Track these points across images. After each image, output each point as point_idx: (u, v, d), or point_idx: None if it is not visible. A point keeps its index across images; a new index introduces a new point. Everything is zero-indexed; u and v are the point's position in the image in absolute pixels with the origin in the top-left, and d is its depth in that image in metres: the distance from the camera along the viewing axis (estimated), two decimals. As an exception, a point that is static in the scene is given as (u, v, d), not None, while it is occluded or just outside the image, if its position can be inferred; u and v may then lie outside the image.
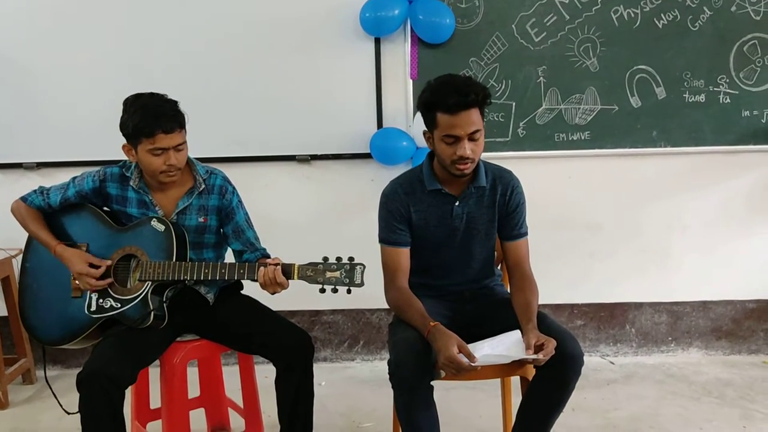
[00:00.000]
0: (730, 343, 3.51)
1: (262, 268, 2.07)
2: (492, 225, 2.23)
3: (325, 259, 2.06)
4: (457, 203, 2.19)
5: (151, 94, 2.15)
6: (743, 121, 3.26)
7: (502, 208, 2.22)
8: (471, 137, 2.03)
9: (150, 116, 2.08)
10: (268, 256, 2.31)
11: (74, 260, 2.17)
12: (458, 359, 1.87)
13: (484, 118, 2.07)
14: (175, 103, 2.15)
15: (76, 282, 2.20)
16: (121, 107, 2.16)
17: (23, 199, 2.28)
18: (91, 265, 2.16)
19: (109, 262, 2.18)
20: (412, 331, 2.03)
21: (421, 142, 2.97)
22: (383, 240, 2.21)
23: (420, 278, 2.25)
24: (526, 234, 2.25)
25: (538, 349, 1.92)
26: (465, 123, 2.01)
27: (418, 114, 2.18)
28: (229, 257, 2.40)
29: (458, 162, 2.05)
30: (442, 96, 2.01)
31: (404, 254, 2.19)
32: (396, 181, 2.25)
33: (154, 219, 2.18)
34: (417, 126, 3.07)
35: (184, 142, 2.17)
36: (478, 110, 2.04)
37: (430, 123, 2.09)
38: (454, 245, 2.23)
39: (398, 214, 2.18)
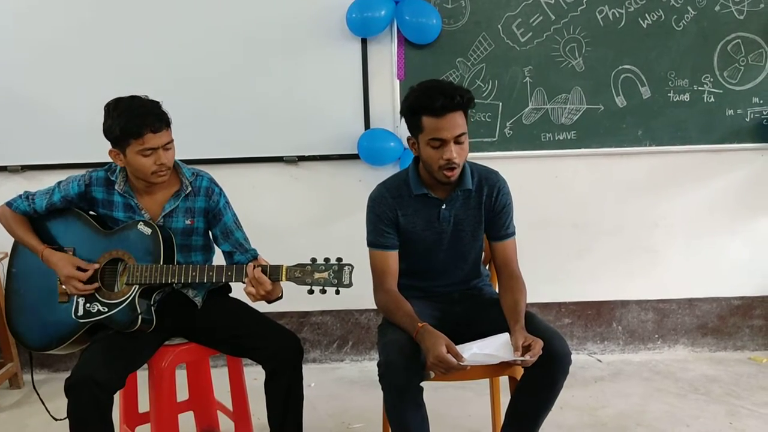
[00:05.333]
0: (716, 339, 3.54)
1: (249, 270, 2.07)
2: (479, 226, 2.24)
3: (314, 260, 2.06)
4: (443, 207, 2.19)
5: (132, 96, 2.14)
6: (727, 120, 3.29)
7: (489, 209, 2.22)
8: (457, 140, 2.04)
9: (136, 117, 2.07)
10: (259, 257, 2.31)
11: (62, 264, 2.16)
12: (447, 358, 1.88)
13: (468, 123, 2.07)
14: (157, 103, 2.15)
15: (63, 287, 2.18)
16: (108, 110, 2.15)
17: (8, 204, 2.27)
18: (79, 269, 2.15)
19: (96, 266, 2.17)
20: (401, 332, 2.04)
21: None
22: (371, 243, 2.21)
23: (409, 280, 2.26)
24: (513, 234, 2.26)
25: (526, 350, 1.93)
26: (451, 126, 2.01)
27: (405, 115, 2.18)
28: (218, 259, 2.39)
29: (445, 167, 2.05)
30: (428, 99, 2.01)
31: (392, 257, 2.20)
32: (383, 185, 2.25)
33: (141, 222, 2.17)
34: (404, 127, 3.07)
35: (172, 141, 2.17)
36: (463, 114, 2.05)
37: (415, 127, 2.09)
38: (442, 248, 2.24)
39: (386, 218, 2.18)
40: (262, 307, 2.35)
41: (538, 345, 1.92)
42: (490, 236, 2.27)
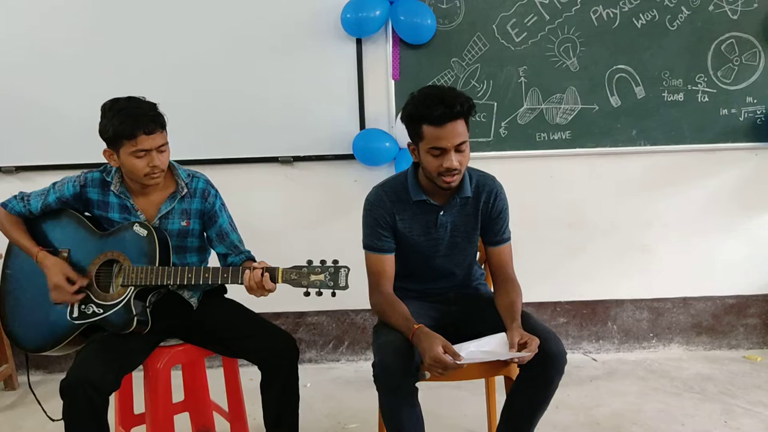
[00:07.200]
0: (711, 338, 3.55)
1: (247, 271, 2.06)
2: (475, 232, 2.24)
3: (309, 262, 2.06)
4: (441, 213, 2.19)
5: (129, 97, 2.13)
6: (721, 119, 3.30)
7: (485, 214, 2.22)
8: (457, 149, 2.02)
9: (130, 118, 2.07)
10: (253, 259, 2.31)
11: (53, 270, 2.14)
12: (444, 359, 1.88)
13: (469, 129, 2.06)
14: (153, 104, 2.14)
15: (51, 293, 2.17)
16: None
17: (3, 205, 2.26)
18: (69, 279, 2.14)
19: (86, 281, 2.16)
20: (396, 333, 2.04)
21: (404, 143, 2.99)
22: (368, 246, 2.21)
23: (405, 282, 2.27)
24: (509, 239, 2.26)
25: (522, 347, 1.93)
26: (451, 135, 2.00)
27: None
28: (213, 260, 2.39)
29: (445, 174, 2.04)
30: (428, 108, 1.99)
31: (389, 260, 2.20)
32: (380, 187, 2.24)
33: (136, 224, 2.17)
34: (399, 127, 3.07)
35: (166, 143, 2.16)
36: (464, 121, 2.03)
37: (416, 135, 2.07)
38: (439, 254, 2.24)
39: (383, 221, 2.18)
40: (257, 307, 2.36)
41: (535, 342, 1.93)
42: (485, 241, 2.27)
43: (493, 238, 2.25)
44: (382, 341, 2.05)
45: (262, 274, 2.04)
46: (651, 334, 3.55)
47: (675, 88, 3.28)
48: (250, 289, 2.08)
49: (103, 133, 2.12)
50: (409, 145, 2.14)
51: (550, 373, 2.00)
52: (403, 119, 2.11)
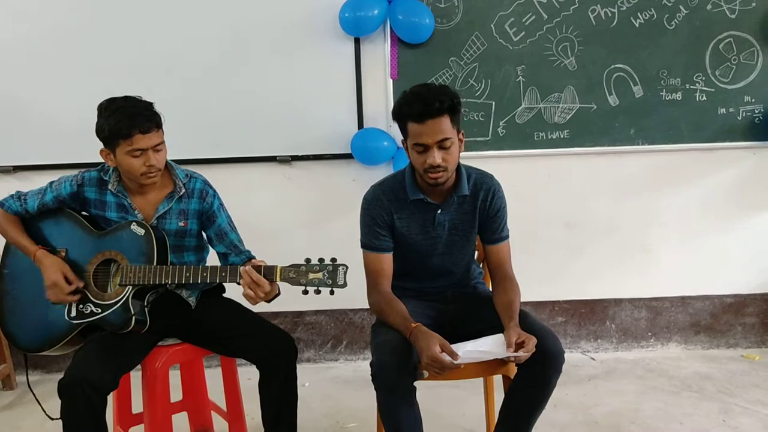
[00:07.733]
0: (709, 337, 3.56)
1: (243, 272, 2.06)
2: (473, 230, 2.25)
3: (308, 260, 2.06)
4: (439, 211, 2.19)
5: (125, 97, 2.13)
6: (719, 118, 3.31)
7: (483, 212, 2.23)
8: (441, 145, 2.03)
9: (126, 118, 2.06)
10: (254, 258, 2.30)
11: (51, 269, 2.13)
12: (441, 358, 1.88)
13: (457, 126, 2.07)
14: (150, 104, 2.14)
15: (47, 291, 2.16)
16: (101, 110, 2.14)
17: (0, 204, 2.26)
18: (66, 279, 2.13)
19: (82, 283, 2.15)
20: (393, 332, 2.04)
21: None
22: (366, 246, 2.21)
23: (403, 281, 2.26)
24: (507, 237, 2.26)
25: (519, 346, 1.93)
26: (432, 131, 2.01)
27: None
28: (211, 259, 2.39)
29: (430, 171, 2.06)
30: (408, 105, 2.03)
31: (387, 259, 2.20)
32: (378, 186, 2.24)
33: (134, 223, 2.16)
34: (398, 128, 3.07)
35: (163, 142, 2.16)
36: (448, 118, 2.03)
37: (403, 132, 2.11)
38: (437, 253, 2.24)
39: (381, 220, 2.18)
40: (256, 306, 2.34)
41: (532, 342, 1.93)
42: (484, 239, 2.28)
43: (491, 236, 2.25)
44: (380, 340, 2.05)
45: (257, 272, 2.04)
46: (649, 333, 3.55)
47: (673, 87, 3.28)
48: (249, 298, 2.07)
49: (100, 132, 2.12)
50: (402, 142, 2.16)
51: (548, 372, 2.00)
52: (392, 117, 2.13)
